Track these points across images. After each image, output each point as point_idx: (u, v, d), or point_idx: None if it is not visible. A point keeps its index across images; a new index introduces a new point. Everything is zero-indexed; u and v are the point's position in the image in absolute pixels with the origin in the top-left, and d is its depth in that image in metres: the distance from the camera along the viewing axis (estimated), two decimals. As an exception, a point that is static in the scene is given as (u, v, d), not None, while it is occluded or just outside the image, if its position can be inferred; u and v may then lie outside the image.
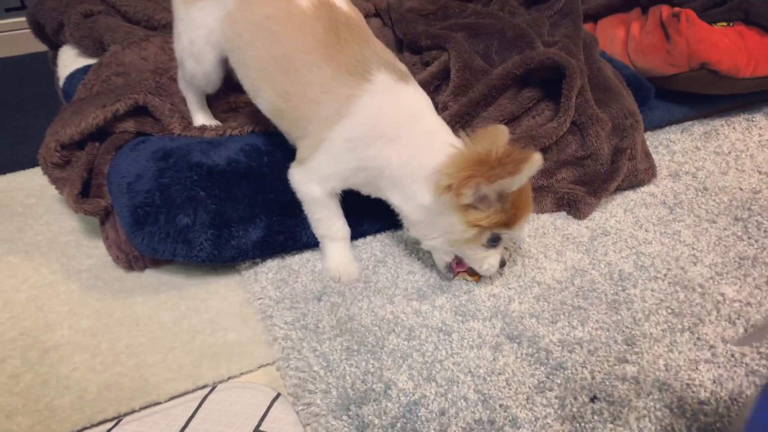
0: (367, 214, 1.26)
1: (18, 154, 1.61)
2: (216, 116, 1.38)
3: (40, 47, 2.16)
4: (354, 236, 1.24)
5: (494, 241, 1.07)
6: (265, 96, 1.14)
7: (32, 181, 1.48)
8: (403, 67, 1.12)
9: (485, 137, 0.97)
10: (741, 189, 1.43)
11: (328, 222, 1.17)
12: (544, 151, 1.33)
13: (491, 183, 0.95)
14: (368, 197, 1.18)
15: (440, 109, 1.35)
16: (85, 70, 1.51)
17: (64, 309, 1.14)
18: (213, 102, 1.39)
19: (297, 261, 1.23)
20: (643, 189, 1.43)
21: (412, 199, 1.07)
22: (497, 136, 0.98)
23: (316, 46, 1.06)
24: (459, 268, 1.15)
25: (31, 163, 1.55)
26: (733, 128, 1.68)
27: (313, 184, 1.12)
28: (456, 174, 0.97)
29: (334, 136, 1.06)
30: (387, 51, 1.13)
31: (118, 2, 1.58)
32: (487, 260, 1.10)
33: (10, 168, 1.54)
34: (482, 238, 1.05)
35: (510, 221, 1.03)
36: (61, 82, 1.59)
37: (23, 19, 2.18)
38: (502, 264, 1.13)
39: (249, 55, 1.13)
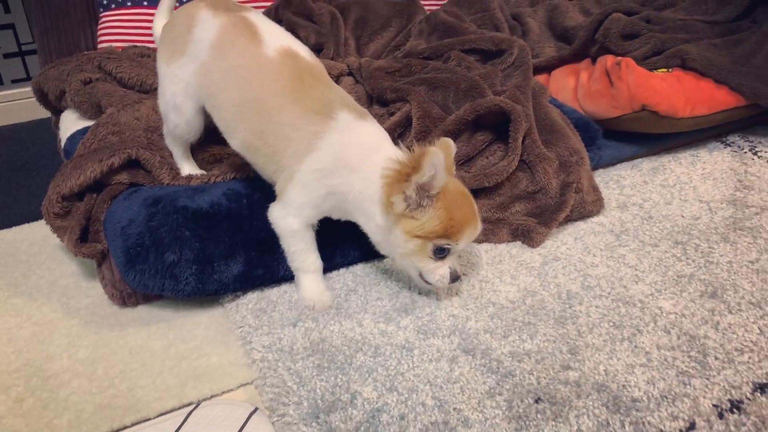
0: (340, 248, 1.39)
1: (23, 209, 1.76)
2: (201, 167, 1.52)
3: (42, 114, 2.34)
4: (328, 268, 1.36)
5: (440, 253, 1.18)
6: (239, 135, 1.29)
7: (35, 233, 1.62)
8: (361, 107, 1.27)
9: (419, 150, 1.10)
10: (683, 216, 1.57)
11: (303, 255, 1.29)
12: (497, 186, 1.48)
13: (407, 186, 1.10)
14: (339, 232, 1.32)
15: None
16: (84, 130, 1.66)
17: (64, 342, 1.26)
18: (198, 154, 1.54)
19: (275, 293, 1.35)
20: (592, 219, 1.57)
21: (372, 219, 1.21)
22: (442, 148, 1.12)
23: (284, 90, 1.22)
24: None
25: (34, 217, 1.69)
26: (679, 163, 1.82)
27: (291, 217, 1.25)
28: (389, 189, 1.12)
29: (304, 168, 1.20)
30: (347, 94, 1.29)
31: (114, 70, 1.75)
32: (437, 271, 1.20)
33: (15, 221, 1.68)
34: (426, 250, 1.17)
35: (448, 232, 1.15)
36: (62, 143, 1.75)
37: (27, 89, 2.37)
38: (456, 278, 1.22)
39: (223, 100, 1.29)
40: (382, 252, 1.27)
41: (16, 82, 2.38)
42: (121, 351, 1.23)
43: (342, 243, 1.39)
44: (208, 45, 1.29)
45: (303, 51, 1.29)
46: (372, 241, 1.26)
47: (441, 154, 1.08)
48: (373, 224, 1.21)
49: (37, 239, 1.60)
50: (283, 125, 1.21)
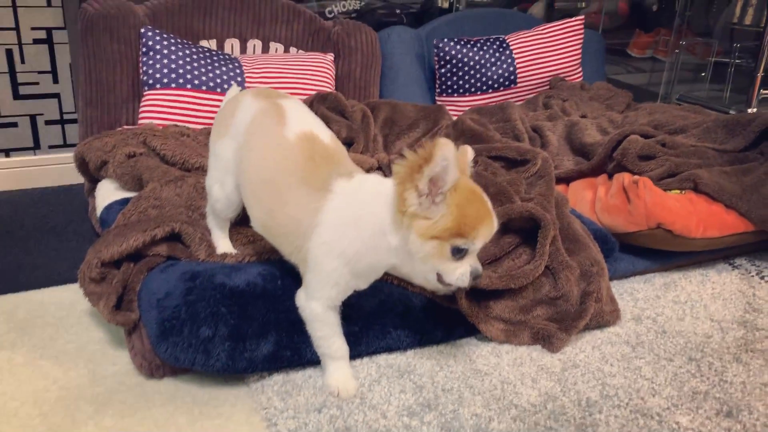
0: (365, 336, 1.42)
1: (52, 272, 1.79)
2: (235, 247, 1.57)
3: (73, 180, 2.42)
4: (352, 356, 1.39)
5: (458, 253, 1.17)
6: (255, 214, 1.36)
7: (64, 296, 1.65)
8: (355, 167, 1.31)
9: (430, 143, 1.10)
10: (695, 333, 1.62)
11: (329, 340, 1.32)
12: (521, 289, 1.53)
13: (420, 178, 1.09)
14: (365, 320, 1.36)
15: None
16: (122, 201, 1.72)
17: (90, 409, 1.26)
18: (233, 236, 1.60)
19: (300, 376, 1.37)
20: (609, 329, 1.61)
21: (390, 248, 1.19)
22: (460, 152, 1.16)
23: (295, 170, 1.29)
24: None
25: (63, 280, 1.72)
26: (690, 281, 1.89)
27: (313, 301, 1.28)
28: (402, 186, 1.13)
29: (311, 244, 1.24)
30: (354, 166, 1.33)
31: (158, 146, 1.84)
32: (457, 271, 1.19)
33: (43, 283, 1.71)
34: (444, 251, 1.16)
35: (463, 230, 1.14)
36: (98, 211, 1.80)
37: (62, 155, 2.45)
38: (477, 276, 1.21)
39: (244, 179, 1.37)
40: (412, 280, 1.29)
41: (52, 147, 2.47)
42: (147, 422, 1.24)
43: (367, 331, 1.43)
44: (244, 127, 1.38)
45: (324, 134, 1.35)
46: (402, 276, 1.30)
47: (452, 145, 1.08)
48: (393, 254, 1.20)
49: (65, 303, 1.62)
50: (290, 204, 1.26)
